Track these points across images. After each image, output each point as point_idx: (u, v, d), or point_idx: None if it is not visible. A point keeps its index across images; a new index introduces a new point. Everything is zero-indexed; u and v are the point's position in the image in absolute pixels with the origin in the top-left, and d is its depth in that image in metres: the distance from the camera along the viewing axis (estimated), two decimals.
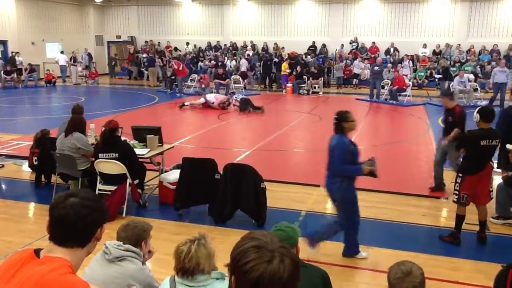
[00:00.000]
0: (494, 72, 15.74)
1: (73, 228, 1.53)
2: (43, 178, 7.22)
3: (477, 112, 5.16)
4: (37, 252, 1.50)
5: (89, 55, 24.65)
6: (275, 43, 24.31)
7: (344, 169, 4.60)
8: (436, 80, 20.60)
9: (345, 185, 4.63)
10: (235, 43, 25.36)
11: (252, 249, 1.28)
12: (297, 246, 2.60)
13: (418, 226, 5.76)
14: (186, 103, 15.21)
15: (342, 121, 4.60)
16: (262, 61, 21.91)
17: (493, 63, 20.07)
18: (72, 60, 23.21)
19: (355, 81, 21.62)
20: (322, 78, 20.38)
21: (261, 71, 21.75)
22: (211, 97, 15.30)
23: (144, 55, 24.69)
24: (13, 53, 22.34)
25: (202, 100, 15.19)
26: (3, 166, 8.27)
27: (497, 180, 6.43)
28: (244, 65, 21.90)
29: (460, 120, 6.43)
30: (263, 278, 1.24)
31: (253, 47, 24.56)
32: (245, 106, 14.57)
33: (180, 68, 18.88)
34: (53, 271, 1.41)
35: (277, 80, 21.25)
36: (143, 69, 24.05)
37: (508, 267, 1.74)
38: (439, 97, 17.47)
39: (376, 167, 4.63)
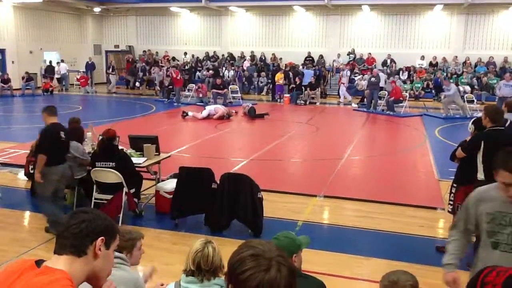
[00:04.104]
0: (499, 85, 15.61)
1: (68, 231, 1.53)
2: None
3: (472, 123, 5.18)
4: (38, 263, 1.48)
5: (92, 64, 24.80)
6: (273, 54, 24.44)
7: None
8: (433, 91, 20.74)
9: None
10: (231, 53, 25.49)
11: (249, 258, 1.28)
12: (295, 256, 2.58)
13: (415, 237, 5.75)
14: (190, 113, 15.21)
15: None
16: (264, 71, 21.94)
17: (489, 75, 20.22)
18: (111, 69, 23.80)
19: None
20: (319, 88, 20.48)
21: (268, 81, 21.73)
22: (211, 110, 15.31)
23: (140, 64, 24.72)
24: (50, 62, 23.34)
25: (204, 113, 15.12)
26: None
27: None
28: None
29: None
30: (261, 286, 1.23)
31: (252, 57, 24.68)
32: (253, 113, 15.42)
33: (178, 78, 18.94)
34: (53, 282, 1.39)
35: (273, 90, 21.30)
36: (138, 80, 23.99)
37: (479, 272, 1.77)
38: (436, 109, 17.60)
39: None
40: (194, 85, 20.58)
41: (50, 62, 23.47)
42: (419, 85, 21.12)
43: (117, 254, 2.87)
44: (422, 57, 22.62)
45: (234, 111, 15.98)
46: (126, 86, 25.01)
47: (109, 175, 5.86)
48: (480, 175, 4.73)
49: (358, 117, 16.18)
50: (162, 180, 6.81)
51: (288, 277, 1.27)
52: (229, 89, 19.91)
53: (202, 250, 2.70)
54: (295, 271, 1.34)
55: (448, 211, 5.31)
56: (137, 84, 23.51)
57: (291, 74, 20.71)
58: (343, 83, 20.22)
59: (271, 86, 21.33)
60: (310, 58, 23.71)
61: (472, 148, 4.79)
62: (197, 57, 25.77)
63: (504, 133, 4.71)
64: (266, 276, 1.24)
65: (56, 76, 23.23)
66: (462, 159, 5.20)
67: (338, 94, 20.81)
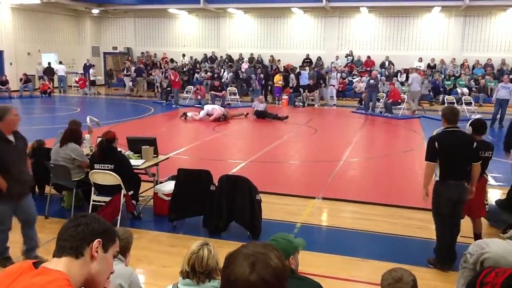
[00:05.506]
0: (497, 87, 15.62)
1: (66, 234, 1.54)
2: (37, 189, 7.16)
3: (470, 125, 5.20)
4: (36, 264, 1.49)
5: (90, 66, 24.75)
6: (271, 56, 24.46)
7: None
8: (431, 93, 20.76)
9: None
10: (229, 55, 25.50)
11: (235, 255, 1.33)
12: (291, 258, 2.58)
13: (412, 239, 5.76)
14: (189, 114, 15.22)
15: None
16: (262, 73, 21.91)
17: (487, 77, 20.26)
18: (125, 71, 23.81)
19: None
20: (318, 90, 20.48)
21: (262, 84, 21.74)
22: (209, 109, 15.30)
23: (137, 66, 24.67)
24: (49, 63, 23.29)
25: (202, 113, 15.12)
26: None
27: (491, 193, 6.47)
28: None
29: None
30: (235, 281, 1.27)
31: (251, 59, 24.66)
32: (263, 115, 15.61)
33: (177, 79, 18.94)
34: (51, 282, 1.40)
35: (272, 92, 21.29)
36: (131, 80, 23.84)
37: (478, 274, 1.79)
38: (434, 111, 17.64)
39: None
40: (192, 87, 20.58)
41: (49, 63, 23.45)
42: None
43: None
44: (420, 59, 22.65)
45: (245, 113, 16.04)
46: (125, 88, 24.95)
47: (108, 177, 5.86)
48: (436, 177, 4.78)
49: (357, 119, 16.20)
50: (160, 182, 6.81)
51: (264, 273, 1.26)
52: (228, 91, 19.93)
53: (197, 252, 2.71)
54: (279, 269, 1.30)
55: None
56: (130, 84, 23.33)
57: (293, 75, 20.68)
58: (333, 85, 20.36)
59: (265, 88, 21.25)
60: (308, 60, 23.73)
61: (431, 153, 4.79)
62: (195, 59, 25.78)
63: (456, 133, 4.76)
64: (235, 270, 1.28)
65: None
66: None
67: (332, 97, 20.88)
